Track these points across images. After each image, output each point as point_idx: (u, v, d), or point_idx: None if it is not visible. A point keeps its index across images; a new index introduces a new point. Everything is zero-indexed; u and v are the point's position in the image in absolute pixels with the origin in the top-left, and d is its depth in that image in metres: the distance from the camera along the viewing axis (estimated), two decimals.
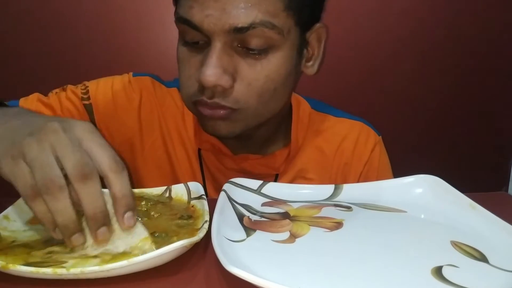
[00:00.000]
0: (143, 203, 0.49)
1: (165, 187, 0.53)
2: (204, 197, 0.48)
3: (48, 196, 0.34)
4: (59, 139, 0.36)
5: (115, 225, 0.38)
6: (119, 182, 0.37)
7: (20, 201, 0.46)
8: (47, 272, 0.33)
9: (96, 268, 0.34)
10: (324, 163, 0.67)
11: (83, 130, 0.38)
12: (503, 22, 1.13)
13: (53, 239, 0.40)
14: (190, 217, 0.46)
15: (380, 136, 0.71)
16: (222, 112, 0.52)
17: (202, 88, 0.51)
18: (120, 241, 0.38)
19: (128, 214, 0.38)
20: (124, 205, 0.37)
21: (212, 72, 0.49)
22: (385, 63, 1.13)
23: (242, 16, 0.48)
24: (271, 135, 0.64)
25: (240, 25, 0.48)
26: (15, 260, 0.36)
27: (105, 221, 0.37)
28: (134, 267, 0.35)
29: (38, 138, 0.36)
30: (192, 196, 0.50)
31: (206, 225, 0.41)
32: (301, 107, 0.67)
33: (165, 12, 0.89)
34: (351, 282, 0.34)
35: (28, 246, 0.39)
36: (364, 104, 1.12)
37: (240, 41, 0.50)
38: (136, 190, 0.52)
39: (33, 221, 0.44)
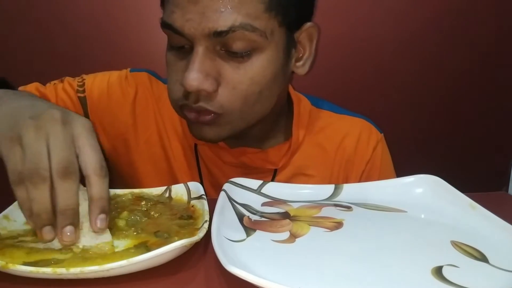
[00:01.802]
0: (143, 203, 0.49)
1: (165, 187, 0.53)
2: (204, 197, 0.48)
3: (30, 184, 0.36)
4: (55, 131, 0.38)
5: (84, 225, 0.39)
6: (99, 185, 0.38)
7: None
8: (46, 271, 0.33)
9: (96, 267, 0.34)
10: (325, 160, 0.67)
11: (82, 126, 0.39)
12: (504, 23, 1.13)
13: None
14: (190, 217, 0.46)
15: (382, 134, 0.70)
16: (207, 117, 0.52)
17: (187, 93, 0.51)
18: (84, 238, 0.39)
19: (102, 217, 0.39)
20: (99, 207, 0.38)
21: (194, 76, 0.49)
22: (387, 63, 1.13)
23: (221, 19, 0.48)
24: (269, 131, 0.64)
25: (219, 29, 0.48)
26: (14, 259, 0.36)
27: (74, 221, 0.38)
28: (134, 267, 0.35)
29: (36, 124, 0.38)
30: (192, 196, 0.50)
31: (206, 225, 0.41)
32: (302, 104, 0.67)
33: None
34: (351, 282, 0.34)
35: (27, 246, 0.39)
36: (364, 104, 1.12)
37: (222, 45, 0.50)
38: (136, 190, 0.52)
39: None
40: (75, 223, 0.38)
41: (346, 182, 0.62)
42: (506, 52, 1.16)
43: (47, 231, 0.37)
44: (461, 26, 1.12)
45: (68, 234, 0.38)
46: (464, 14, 1.11)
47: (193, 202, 0.49)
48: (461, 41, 1.13)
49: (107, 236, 0.40)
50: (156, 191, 0.52)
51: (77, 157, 0.39)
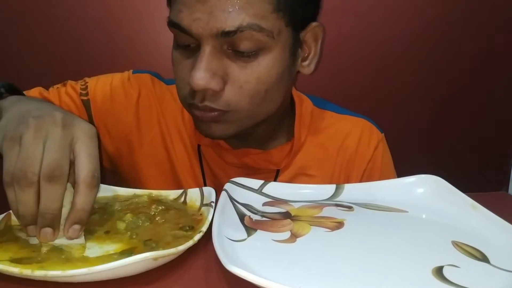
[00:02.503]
0: (154, 206, 0.48)
1: (181, 191, 0.52)
2: (213, 204, 0.46)
3: (17, 186, 0.37)
4: (53, 133, 0.38)
5: (61, 227, 0.40)
6: (85, 195, 0.38)
7: None
8: (14, 271, 0.34)
9: (59, 272, 0.33)
10: (326, 160, 0.67)
11: (82, 131, 0.39)
12: (503, 22, 1.13)
13: None
14: (192, 228, 0.44)
15: (383, 134, 0.70)
16: (213, 114, 0.52)
17: (193, 91, 0.51)
18: (59, 238, 0.40)
19: (75, 227, 0.39)
20: (77, 217, 0.39)
21: (201, 75, 0.49)
22: (387, 63, 1.13)
23: (229, 20, 0.48)
24: (271, 132, 0.64)
25: (227, 29, 0.48)
26: (4, 254, 0.37)
27: (52, 223, 0.38)
28: (98, 275, 0.34)
29: (37, 124, 0.38)
30: (204, 202, 0.49)
31: (198, 236, 0.40)
32: (304, 104, 0.67)
33: (168, 11, 0.89)
34: (351, 282, 0.34)
35: (18, 241, 0.40)
36: (365, 104, 1.12)
37: (230, 44, 0.50)
38: (154, 192, 0.52)
39: None
40: (54, 225, 0.38)
41: (347, 182, 0.62)
42: (507, 52, 1.16)
43: (31, 229, 0.39)
44: (461, 26, 1.12)
45: (45, 235, 0.38)
46: (465, 14, 1.11)
47: (203, 208, 0.48)
48: (462, 41, 1.13)
49: (80, 240, 0.40)
50: (173, 194, 0.52)
51: (73, 162, 0.39)
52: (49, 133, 0.38)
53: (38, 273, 0.33)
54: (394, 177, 0.65)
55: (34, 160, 0.37)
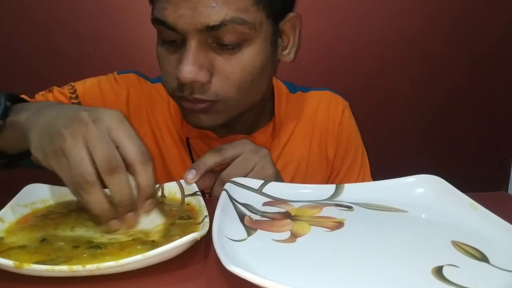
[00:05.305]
0: None
1: (157, 185, 0.52)
2: (199, 193, 0.49)
3: (82, 191, 0.38)
4: (89, 132, 0.39)
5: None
6: (144, 173, 0.40)
7: (12, 203, 0.45)
8: (63, 269, 0.33)
9: (112, 263, 0.34)
10: (304, 132, 0.73)
11: (111, 118, 0.41)
12: (504, 23, 1.13)
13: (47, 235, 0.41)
14: (189, 217, 0.45)
15: (347, 102, 0.77)
16: (203, 105, 0.55)
17: (181, 85, 0.53)
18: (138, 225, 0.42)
19: (149, 201, 0.42)
20: (147, 194, 0.41)
21: (188, 69, 0.51)
22: (387, 63, 1.13)
23: (213, 14, 0.50)
24: (256, 117, 0.68)
25: (211, 24, 0.50)
26: (22, 260, 0.36)
27: (132, 207, 0.41)
28: (149, 261, 0.35)
29: (71, 132, 0.39)
30: (185, 193, 0.51)
31: (207, 219, 0.41)
32: (280, 87, 0.72)
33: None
34: (351, 281, 0.34)
35: (25, 247, 0.39)
36: (366, 103, 1.12)
37: (214, 38, 0.52)
38: None
39: (22, 221, 0.44)
40: (134, 208, 0.41)
41: (326, 148, 0.73)
42: (506, 52, 1.16)
43: (113, 224, 0.41)
44: (461, 26, 1.12)
45: (130, 219, 0.41)
46: (464, 14, 1.11)
47: (187, 199, 0.50)
48: (461, 41, 1.13)
49: (158, 220, 0.43)
50: None
51: (118, 148, 0.40)
52: (86, 135, 0.39)
53: (89, 267, 0.33)
54: (360, 143, 0.77)
55: (84, 163, 0.38)
